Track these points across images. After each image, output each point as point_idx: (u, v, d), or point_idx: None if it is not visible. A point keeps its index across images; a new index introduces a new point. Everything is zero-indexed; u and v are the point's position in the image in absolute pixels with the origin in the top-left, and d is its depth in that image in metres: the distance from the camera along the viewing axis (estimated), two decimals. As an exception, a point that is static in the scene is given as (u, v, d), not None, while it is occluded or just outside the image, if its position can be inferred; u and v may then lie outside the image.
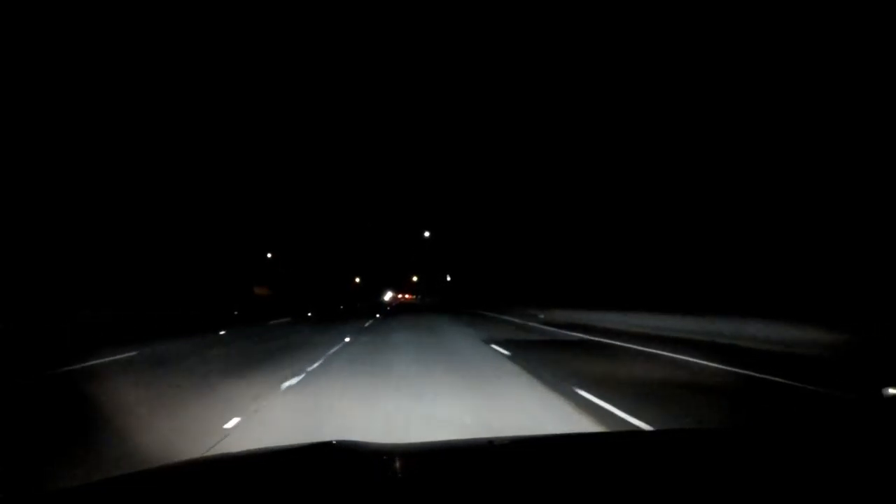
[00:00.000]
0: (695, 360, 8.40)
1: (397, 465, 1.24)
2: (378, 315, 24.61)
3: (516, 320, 20.30)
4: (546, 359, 8.55)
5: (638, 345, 10.73)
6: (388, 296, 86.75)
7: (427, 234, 56.32)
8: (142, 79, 31.31)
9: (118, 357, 8.43)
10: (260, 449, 1.52)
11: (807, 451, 1.28)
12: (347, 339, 11.79)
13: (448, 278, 58.27)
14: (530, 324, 18.07)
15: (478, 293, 46.17)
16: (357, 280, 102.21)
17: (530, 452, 1.42)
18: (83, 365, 7.52)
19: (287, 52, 74.41)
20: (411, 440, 2.09)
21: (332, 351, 9.48)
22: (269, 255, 57.46)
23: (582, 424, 4.15)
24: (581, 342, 11.83)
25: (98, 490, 1.09)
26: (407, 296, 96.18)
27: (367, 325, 17.49)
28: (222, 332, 13.83)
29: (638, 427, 4.06)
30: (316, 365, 7.61)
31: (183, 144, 35.71)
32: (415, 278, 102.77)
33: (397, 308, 37.22)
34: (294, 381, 6.11)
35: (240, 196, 45.58)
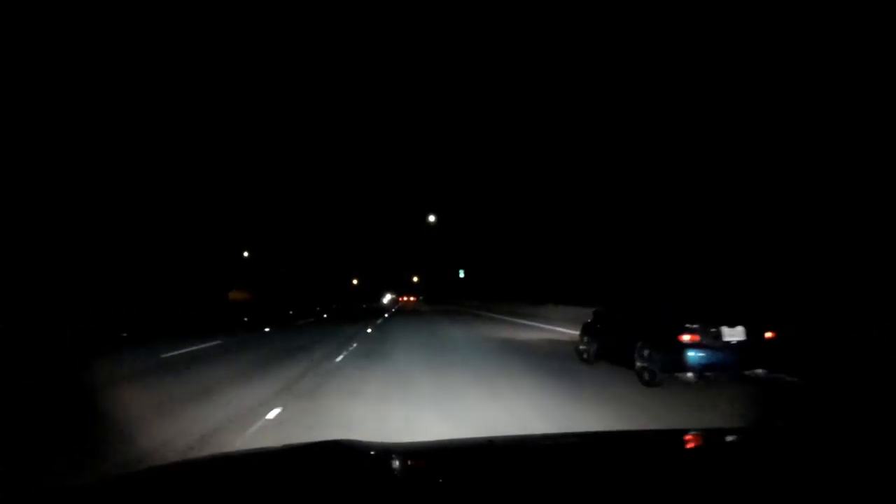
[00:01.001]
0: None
1: (398, 464, 1.25)
2: (355, 344, 11.53)
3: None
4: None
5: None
6: (387, 298, 77.74)
7: (432, 218, 42.86)
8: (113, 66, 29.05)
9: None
10: (260, 448, 1.49)
11: (808, 451, 1.29)
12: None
13: (461, 274, 47.45)
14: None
15: (491, 292, 38.47)
16: (355, 281, 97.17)
17: (530, 452, 1.45)
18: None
19: (273, 32, 68.23)
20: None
21: None
22: (245, 254, 49.52)
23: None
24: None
25: (98, 490, 1.09)
26: (411, 298, 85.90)
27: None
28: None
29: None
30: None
31: (149, 128, 31.37)
32: (415, 279, 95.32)
33: (396, 315, 28.70)
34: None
35: (211, 184, 39.23)
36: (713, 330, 5.38)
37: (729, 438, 1.67)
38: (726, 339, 5.39)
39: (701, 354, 5.29)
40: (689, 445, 1.51)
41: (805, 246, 14.06)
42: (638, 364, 5.94)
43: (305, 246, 71.59)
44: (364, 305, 49.77)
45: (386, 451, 1.37)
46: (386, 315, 26.94)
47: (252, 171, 52.35)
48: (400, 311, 36.61)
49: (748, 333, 5.45)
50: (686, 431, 2.00)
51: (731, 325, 5.44)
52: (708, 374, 5.38)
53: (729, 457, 1.32)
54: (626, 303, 7.27)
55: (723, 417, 4.42)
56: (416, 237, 77.32)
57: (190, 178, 36.00)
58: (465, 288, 48.91)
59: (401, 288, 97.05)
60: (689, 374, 5.34)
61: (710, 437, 1.71)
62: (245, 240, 49.39)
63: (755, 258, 15.31)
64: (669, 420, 4.32)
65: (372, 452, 1.36)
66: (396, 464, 1.26)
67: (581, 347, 7.82)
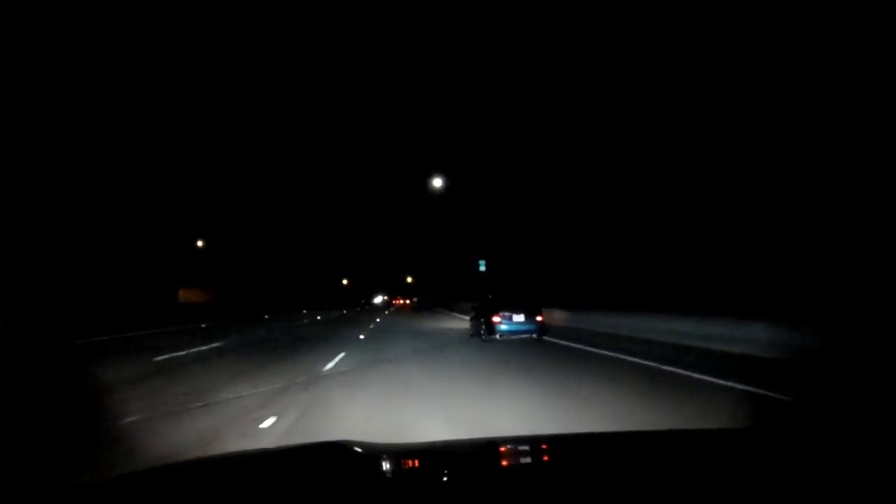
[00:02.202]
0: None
1: (398, 465, 1.29)
2: None
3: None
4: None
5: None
6: (378, 299, 72.35)
7: (438, 182, 31.23)
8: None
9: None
10: (261, 449, 1.60)
11: (807, 452, 1.32)
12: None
13: (482, 267, 33.87)
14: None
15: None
16: (345, 281, 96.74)
17: (530, 452, 1.50)
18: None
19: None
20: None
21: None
22: (199, 244, 41.79)
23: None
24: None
25: (98, 490, 1.12)
26: (406, 301, 78.82)
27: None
28: None
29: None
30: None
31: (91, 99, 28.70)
32: (409, 279, 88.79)
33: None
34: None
35: (156, 160, 34.25)
36: (508, 315, 11.52)
37: (728, 439, 1.71)
38: (515, 320, 11.56)
39: (503, 327, 11.43)
40: (689, 445, 1.56)
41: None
42: (481, 332, 12.11)
43: (275, 235, 64.94)
44: (319, 317, 28.09)
45: (385, 452, 1.41)
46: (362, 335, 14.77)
47: (213, 147, 45.85)
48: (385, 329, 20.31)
49: (527, 317, 11.63)
50: (686, 432, 2.23)
51: (518, 312, 11.61)
52: (507, 337, 11.52)
53: (728, 457, 1.34)
54: (482, 301, 13.45)
55: (507, 349, 10.39)
56: (413, 235, 70.27)
57: (133, 154, 31.72)
58: (485, 284, 37.70)
59: (396, 290, 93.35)
60: (497, 337, 11.48)
61: (710, 437, 1.77)
62: (199, 227, 41.37)
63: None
64: (485, 346, 10.26)
65: (371, 453, 1.41)
66: (396, 464, 1.28)
67: (468, 328, 14.01)
